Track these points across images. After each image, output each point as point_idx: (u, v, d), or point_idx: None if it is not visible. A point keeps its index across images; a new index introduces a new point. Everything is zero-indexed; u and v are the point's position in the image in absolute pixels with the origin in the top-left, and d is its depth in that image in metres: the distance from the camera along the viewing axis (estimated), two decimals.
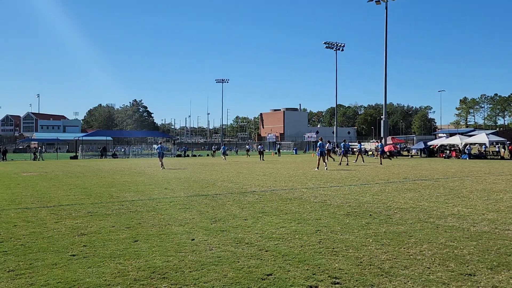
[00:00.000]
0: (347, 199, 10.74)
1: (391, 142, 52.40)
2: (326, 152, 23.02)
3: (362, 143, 35.89)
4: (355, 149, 31.64)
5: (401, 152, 51.66)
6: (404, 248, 5.86)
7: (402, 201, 10.30)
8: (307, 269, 4.95)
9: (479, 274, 4.72)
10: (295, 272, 4.86)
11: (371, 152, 54.78)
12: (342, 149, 29.84)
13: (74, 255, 5.60)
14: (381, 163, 28.34)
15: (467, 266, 5.01)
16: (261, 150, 42.01)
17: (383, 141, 41.19)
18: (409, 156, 47.53)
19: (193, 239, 6.48)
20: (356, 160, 31.37)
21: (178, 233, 6.91)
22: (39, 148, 50.93)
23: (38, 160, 46.88)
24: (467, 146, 40.69)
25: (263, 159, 38.99)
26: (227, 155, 44.46)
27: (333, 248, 5.87)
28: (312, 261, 5.28)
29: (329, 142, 34.51)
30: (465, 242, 6.16)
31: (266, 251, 5.78)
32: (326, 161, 23.44)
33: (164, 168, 25.70)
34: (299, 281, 4.55)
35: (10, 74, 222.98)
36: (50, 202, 10.73)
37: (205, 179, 17.61)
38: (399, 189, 12.94)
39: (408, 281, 4.51)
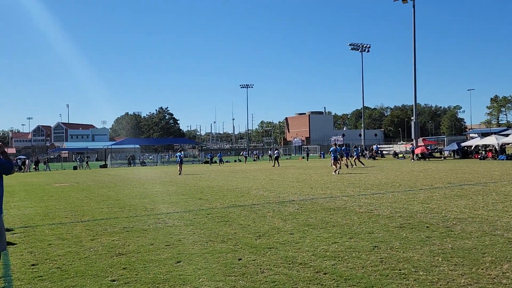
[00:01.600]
0: (395, 208, 10.00)
1: (423, 144, 50.97)
2: (339, 157, 24.63)
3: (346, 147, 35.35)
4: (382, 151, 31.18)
5: (433, 153, 50.10)
6: (482, 269, 5.15)
7: (456, 210, 9.50)
8: None
9: None
10: None
11: (401, 155, 53.41)
12: (345, 152, 30.30)
13: (114, 280, 5.13)
14: (355, 165, 30.85)
15: None
16: (277, 155, 41.17)
17: (361, 146, 42.52)
18: (442, 158, 45.93)
19: (240, 259, 5.93)
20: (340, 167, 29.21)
21: (222, 252, 6.37)
22: (82, 157, 52.62)
23: (84, 169, 48.13)
24: None
25: (273, 165, 37.74)
26: (222, 161, 50.73)
27: (400, 270, 5.21)
28: (381, 286, 4.65)
29: (355, 147, 38.58)
30: None
31: (325, 273, 5.17)
32: (338, 165, 24.12)
33: (180, 174, 27.91)
34: None
35: (41, 85, 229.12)
36: (84, 216, 10.39)
37: (238, 187, 17.09)
38: (449, 196, 12.08)
39: None
